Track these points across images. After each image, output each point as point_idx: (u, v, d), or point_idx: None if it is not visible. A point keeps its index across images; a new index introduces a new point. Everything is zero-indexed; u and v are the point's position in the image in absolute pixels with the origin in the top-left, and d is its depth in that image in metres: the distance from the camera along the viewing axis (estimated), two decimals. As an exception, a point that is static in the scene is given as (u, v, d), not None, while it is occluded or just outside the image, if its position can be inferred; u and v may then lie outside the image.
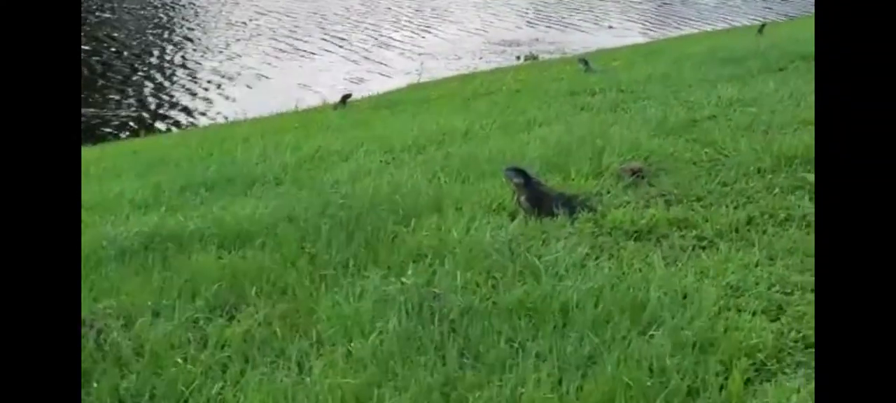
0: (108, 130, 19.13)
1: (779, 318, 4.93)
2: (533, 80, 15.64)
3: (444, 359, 4.49)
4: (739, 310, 4.99)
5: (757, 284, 5.31)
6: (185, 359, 4.61)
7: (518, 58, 24.35)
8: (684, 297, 5.12)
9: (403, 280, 5.38)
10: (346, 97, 15.61)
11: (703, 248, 6.02)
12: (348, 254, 5.95)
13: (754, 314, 4.93)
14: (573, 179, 7.51)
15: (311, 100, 18.42)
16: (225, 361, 4.63)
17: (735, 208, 6.66)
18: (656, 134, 9.11)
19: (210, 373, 4.53)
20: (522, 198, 6.75)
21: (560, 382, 4.24)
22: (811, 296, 5.07)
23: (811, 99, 10.07)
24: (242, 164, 9.20)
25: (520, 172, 6.82)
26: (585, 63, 15.90)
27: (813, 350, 4.09)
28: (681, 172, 7.66)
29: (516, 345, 4.62)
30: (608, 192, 7.25)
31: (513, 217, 6.74)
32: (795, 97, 10.42)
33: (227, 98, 21.00)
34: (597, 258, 5.78)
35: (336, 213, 6.79)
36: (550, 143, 8.74)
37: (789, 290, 5.23)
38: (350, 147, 9.87)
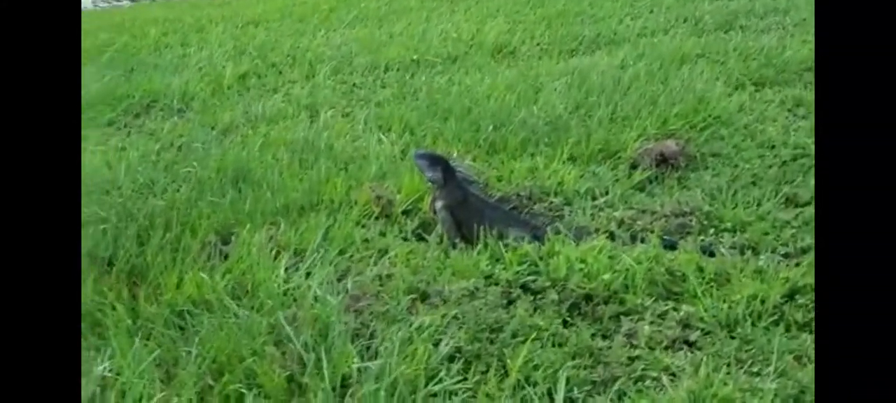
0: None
1: None
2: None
3: None
4: None
5: None
6: None
7: None
8: None
9: None
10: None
11: (684, 347, 3.57)
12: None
13: None
14: (556, 165, 5.18)
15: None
16: None
17: (783, 257, 4.12)
18: (747, 81, 6.49)
19: None
20: (438, 205, 4.58)
21: None
22: None
23: None
24: (166, 71, 7.23)
25: (436, 161, 4.63)
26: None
27: None
28: (739, 165, 5.10)
29: None
30: (604, 195, 4.91)
31: (421, 234, 4.58)
32: None
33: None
34: (462, 378, 3.42)
35: (166, 189, 4.95)
36: (577, 88, 6.31)
37: None
38: (333, 53, 7.69)
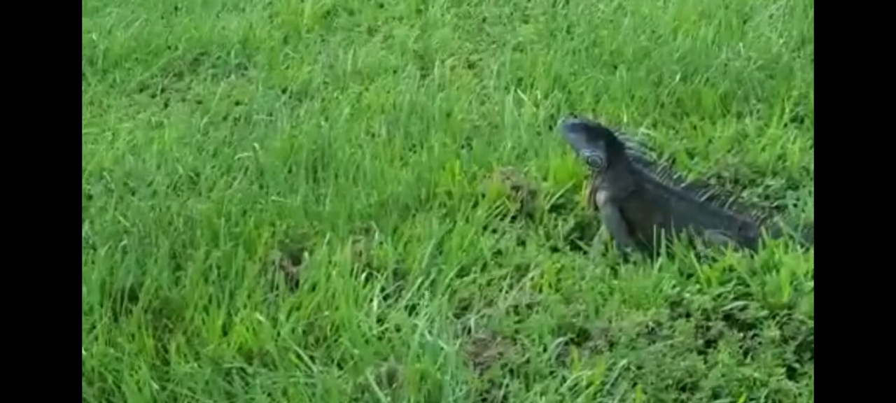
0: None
1: None
2: None
3: None
4: None
5: None
6: None
7: None
8: None
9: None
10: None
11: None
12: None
13: None
14: (775, 131, 5.21)
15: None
16: None
17: None
18: None
19: None
20: (601, 197, 4.65)
21: None
22: None
23: None
24: (221, 10, 7.52)
25: (596, 133, 4.67)
26: None
27: None
28: None
29: None
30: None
31: (576, 241, 4.62)
32: None
33: None
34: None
35: (214, 185, 5.03)
36: (803, 13, 6.43)
37: None
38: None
